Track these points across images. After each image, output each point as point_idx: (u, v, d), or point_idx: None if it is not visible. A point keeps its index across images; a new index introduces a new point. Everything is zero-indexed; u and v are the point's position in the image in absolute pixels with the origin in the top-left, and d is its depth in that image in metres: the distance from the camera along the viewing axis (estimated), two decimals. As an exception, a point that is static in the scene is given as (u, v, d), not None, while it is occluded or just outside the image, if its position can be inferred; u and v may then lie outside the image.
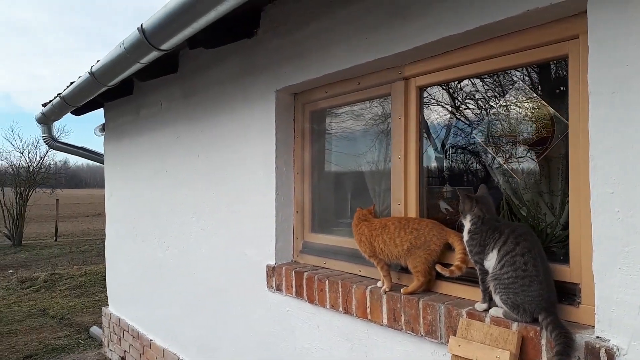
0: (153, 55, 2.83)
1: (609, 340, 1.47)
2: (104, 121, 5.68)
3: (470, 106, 2.32)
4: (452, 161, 2.45)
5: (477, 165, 2.37)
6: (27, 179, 18.07)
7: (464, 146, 2.39)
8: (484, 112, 2.24)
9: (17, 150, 24.77)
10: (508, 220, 2.05)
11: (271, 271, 2.88)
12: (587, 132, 1.53)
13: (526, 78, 2.05)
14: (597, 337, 1.50)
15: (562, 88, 1.87)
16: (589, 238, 1.55)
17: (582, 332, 1.55)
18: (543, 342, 1.60)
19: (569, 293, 1.69)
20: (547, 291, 1.62)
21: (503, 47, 1.89)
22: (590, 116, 1.52)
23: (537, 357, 1.61)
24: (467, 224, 1.89)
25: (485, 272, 1.81)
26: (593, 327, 1.53)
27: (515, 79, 2.07)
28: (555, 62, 1.90)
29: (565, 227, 1.79)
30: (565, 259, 1.75)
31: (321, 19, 2.54)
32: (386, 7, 2.19)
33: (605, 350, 1.45)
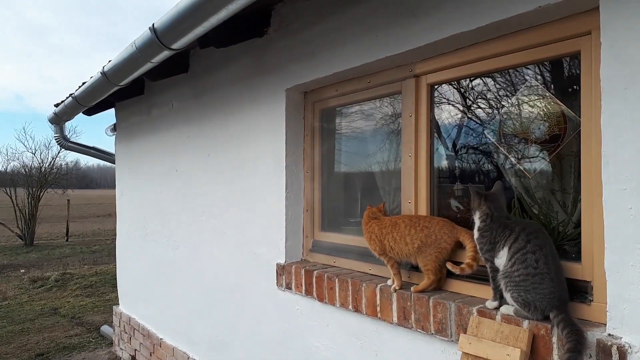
0: (164, 54, 2.85)
1: (620, 338, 1.46)
2: (115, 121, 5.73)
3: (482, 105, 2.31)
4: (462, 159, 2.44)
5: (488, 163, 2.36)
6: (39, 180, 18.25)
7: (474, 145, 2.38)
8: (495, 110, 2.23)
9: (29, 151, 25.08)
10: (520, 218, 2.04)
11: (281, 270, 2.89)
12: (600, 128, 1.53)
13: (538, 77, 2.04)
14: (609, 334, 1.49)
15: (574, 85, 1.86)
16: (601, 235, 1.54)
17: (593, 329, 1.54)
18: (554, 339, 1.59)
19: (580, 291, 1.68)
20: (559, 289, 1.62)
21: (515, 44, 1.88)
22: (603, 112, 1.51)
23: (548, 355, 1.60)
24: (476, 221, 1.88)
25: (495, 270, 1.80)
26: (605, 324, 1.52)
27: (528, 78, 2.06)
28: (567, 59, 1.89)
29: (578, 225, 1.78)
30: (577, 256, 1.74)
31: (331, 17, 2.54)
32: (397, 4, 2.19)
33: (617, 348, 1.44)
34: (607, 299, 1.51)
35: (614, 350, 1.44)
